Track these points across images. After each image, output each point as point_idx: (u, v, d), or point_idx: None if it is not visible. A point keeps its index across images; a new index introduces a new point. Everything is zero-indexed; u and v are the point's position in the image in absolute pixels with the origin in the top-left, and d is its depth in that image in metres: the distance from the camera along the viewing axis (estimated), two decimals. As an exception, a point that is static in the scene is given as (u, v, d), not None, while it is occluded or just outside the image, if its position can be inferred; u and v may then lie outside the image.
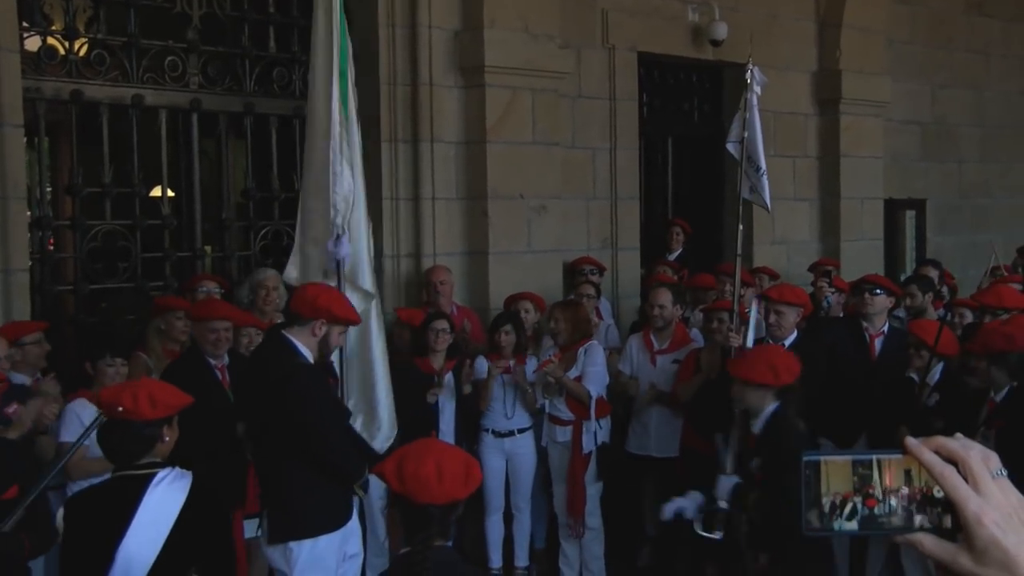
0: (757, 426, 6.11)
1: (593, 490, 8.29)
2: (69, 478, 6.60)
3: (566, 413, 8.23)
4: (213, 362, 7.22)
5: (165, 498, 4.72)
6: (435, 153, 9.62)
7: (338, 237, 7.06)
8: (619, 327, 10.13)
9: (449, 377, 8.21)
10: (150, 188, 9.04)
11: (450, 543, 4.06)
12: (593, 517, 8.29)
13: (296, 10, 9.53)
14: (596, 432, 8.24)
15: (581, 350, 8.27)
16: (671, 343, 8.52)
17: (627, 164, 11.01)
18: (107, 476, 5.12)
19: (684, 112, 12.28)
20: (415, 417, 7.82)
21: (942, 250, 13.41)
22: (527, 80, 9.87)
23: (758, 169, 8.24)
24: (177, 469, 4.81)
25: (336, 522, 6.03)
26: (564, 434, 8.29)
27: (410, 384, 7.99)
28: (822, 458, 1.52)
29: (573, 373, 8.18)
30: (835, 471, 1.51)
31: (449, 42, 9.64)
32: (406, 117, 9.58)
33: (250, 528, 7.17)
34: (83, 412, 6.74)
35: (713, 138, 12.24)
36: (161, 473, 4.76)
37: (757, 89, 8.25)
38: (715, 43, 11.50)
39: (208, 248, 9.23)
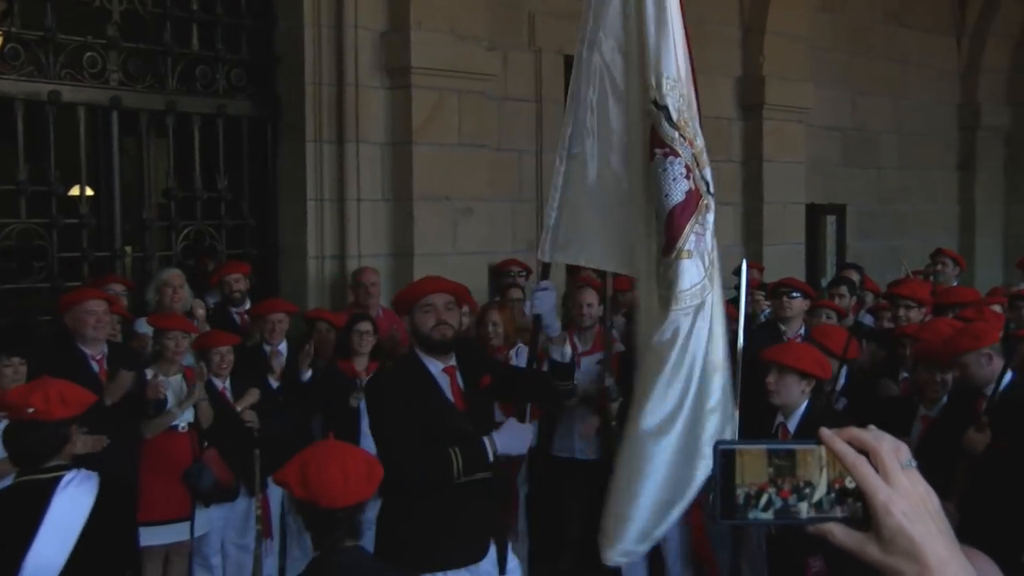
0: (792, 423, 6.12)
1: (521, 493, 8.36)
2: None
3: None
4: (89, 352, 7.13)
5: (74, 502, 4.64)
6: (361, 154, 9.59)
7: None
8: (545, 330, 10.08)
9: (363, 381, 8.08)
10: (68, 186, 8.96)
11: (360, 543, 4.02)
12: (519, 520, 8.29)
13: (220, 7, 9.46)
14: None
15: (512, 352, 8.35)
16: (594, 344, 8.52)
17: (553, 166, 10.88)
18: (7, 481, 4.99)
19: None
20: (338, 420, 7.82)
21: (861, 255, 13.58)
22: (454, 82, 9.89)
23: None
24: (83, 471, 4.73)
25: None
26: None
27: (332, 387, 8.05)
28: (737, 448, 1.52)
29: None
30: (750, 461, 1.51)
31: (375, 43, 9.62)
32: (331, 118, 9.54)
33: (161, 534, 7.21)
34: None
35: None
36: (68, 475, 4.70)
37: None
38: None
39: (128, 248, 9.14)
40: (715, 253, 5.34)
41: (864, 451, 1.50)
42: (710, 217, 5.35)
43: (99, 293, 7.44)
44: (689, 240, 5.11)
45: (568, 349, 5.84)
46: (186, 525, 7.34)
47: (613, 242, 5.70)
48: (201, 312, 8.54)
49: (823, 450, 1.50)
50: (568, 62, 11.12)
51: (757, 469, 1.51)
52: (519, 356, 8.34)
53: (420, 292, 5.76)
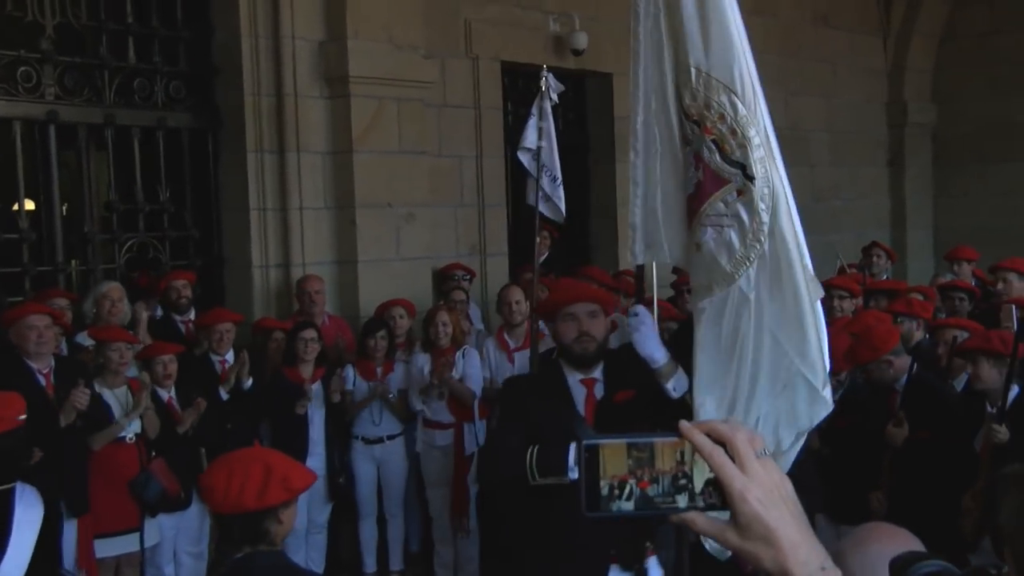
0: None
1: (472, 492, 8.43)
2: None
3: (446, 417, 8.37)
4: (35, 366, 7.11)
5: (30, 513, 4.59)
6: (302, 163, 9.57)
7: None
8: (489, 332, 10.10)
9: (318, 386, 8.29)
10: (7, 202, 8.80)
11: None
12: (470, 518, 8.44)
13: (156, 19, 9.41)
14: (477, 434, 8.43)
15: (459, 353, 8.43)
16: (524, 340, 8.56)
17: (494, 172, 11.11)
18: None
19: None
20: (284, 426, 8.03)
21: None
22: (392, 90, 9.89)
23: (554, 179, 8.25)
24: (20, 482, 4.67)
25: None
26: (444, 438, 8.48)
27: (279, 394, 8.14)
28: (600, 443, 1.54)
29: (454, 376, 8.37)
30: (611, 455, 1.53)
31: (313, 53, 9.60)
32: (272, 127, 9.51)
33: (112, 545, 7.28)
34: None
35: (577, 146, 12.54)
36: (18, 487, 4.62)
37: (553, 96, 8.17)
38: (576, 52, 11.66)
39: (73, 262, 9.10)
40: (766, 243, 4.64)
41: (721, 442, 1.53)
42: (739, 206, 4.67)
43: (42, 307, 7.43)
44: (702, 232, 4.71)
45: (682, 381, 5.04)
46: (135, 536, 7.35)
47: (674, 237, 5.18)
48: (145, 315, 8.50)
49: (682, 442, 1.54)
50: (505, 67, 11.28)
51: (618, 462, 1.53)
52: (467, 357, 8.45)
53: (563, 301, 5.45)
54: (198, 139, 9.63)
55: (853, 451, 6.60)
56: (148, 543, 7.43)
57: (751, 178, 4.60)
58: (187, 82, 9.58)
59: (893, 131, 16.66)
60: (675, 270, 11.17)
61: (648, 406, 5.18)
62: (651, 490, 1.54)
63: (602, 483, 1.53)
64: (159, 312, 8.87)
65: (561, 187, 8.37)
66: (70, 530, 6.90)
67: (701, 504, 1.54)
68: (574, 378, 5.27)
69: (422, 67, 10.10)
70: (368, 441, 8.56)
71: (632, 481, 1.53)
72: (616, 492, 1.53)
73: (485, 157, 11.00)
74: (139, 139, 9.29)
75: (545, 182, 8.22)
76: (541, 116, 8.06)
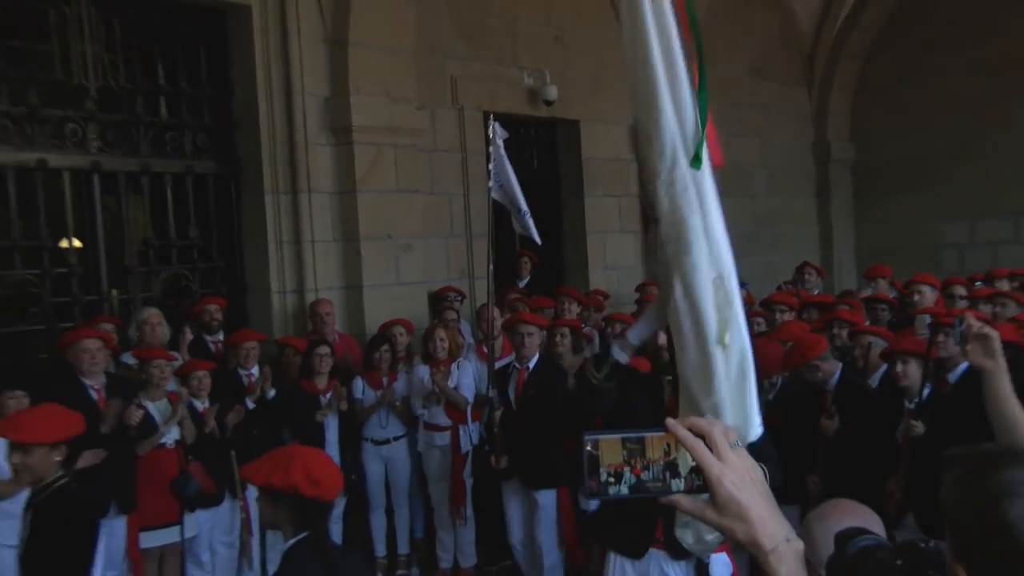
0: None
1: (467, 484, 8.40)
2: None
3: (444, 420, 8.35)
4: (88, 383, 7.12)
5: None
6: (312, 202, 9.56)
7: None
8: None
9: (331, 396, 8.24)
10: (57, 240, 8.81)
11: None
12: (467, 507, 8.41)
13: (183, 81, 9.39)
14: (471, 435, 8.44)
15: (454, 365, 8.43)
16: (502, 352, 8.55)
17: (479, 207, 10.96)
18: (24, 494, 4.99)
19: (525, 160, 12.20)
20: (305, 432, 7.89)
21: (744, 270, 13.54)
22: (390, 137, 9.91)
23: (520, 210, 8.21)
24: None
25: None
26: (443, 438, 8.39)
27: (298, 404, 8.11)
28: (600, 437, 1.60)
29: (449, 385, 8.38)
30: (608, 447, 1.59)
31: (320, 107, 9.61)
32: (286, 172, 9.51)
33: (155, 537, 7.25)
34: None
35: (549, 182, 12.61)
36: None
37: (499, 141, 8.09)
38: (548, 103, 11.71)
39: (114, 292, 9.00)
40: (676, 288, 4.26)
41: (700, 435, 1.59)
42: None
43: (93, 332, 7.45)
44: None
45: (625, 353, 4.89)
46: (176, 528, 7.34)
47: None
48: (189, 337, 8.48)
49: (668, 436, 1.59)
50: (487, 118, 11.21)
51: (614, 453, 1.58)
52: (461, 368, 8.44)
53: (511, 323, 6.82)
54: (222, 183, 9.58)
55: (789, 443, 6.65)
56: (187, 534, 7.40)
57: (656, 220, 4.33)
58: (211, 134, 9.53)
59: (819, 166, 16.77)
60: (639, 287, 11.29)
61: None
62: (643, 476, 1.59)
63: (602, 471, 1.58)
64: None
65: (528, 216, 8.37)
66: (120, 525, 6.90)
67: (685, 488, 1.60)
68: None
69: (415, 117, 10.12)
70: (376, 442, 8.53)
71: (627, 469, 1.58)
72: (613, 478, 1.59)
73: (471, 194, 10.95)
74: (170, 184, 9.26)
75: (520, 214, 8.29)
76: (495, 161, 8.05)
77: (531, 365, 7.71)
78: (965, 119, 15.64)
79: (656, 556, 5.06)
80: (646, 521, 4.97)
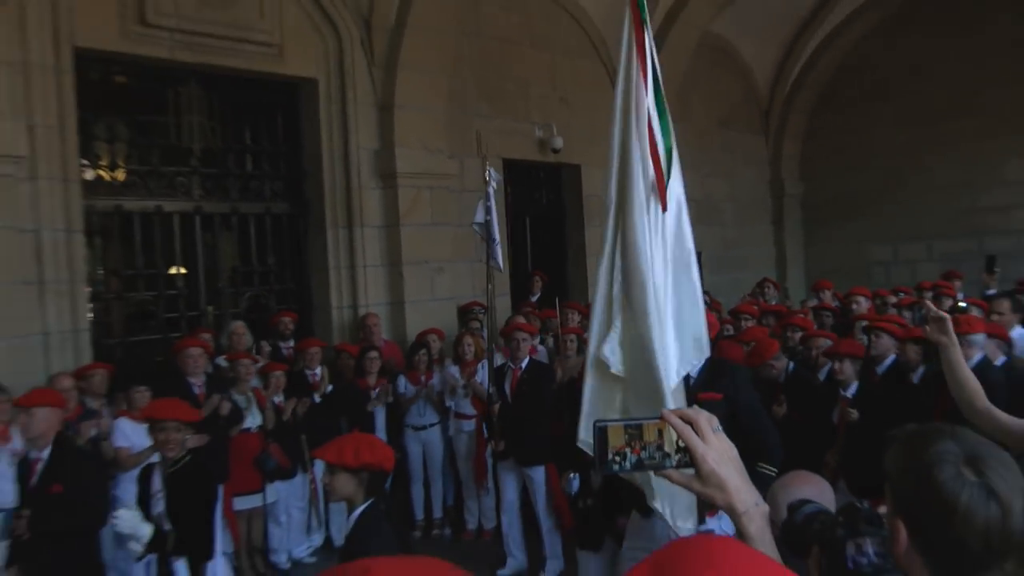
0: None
1: (488, 463, 8.27)
2: (120, 469, 6.60)
3: (470, 410, 8.28)
4: (192, 381, 7.23)
5: None
6: (364, 235, 9.65)
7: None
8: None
9: (380, 391, 8.27)
10: (168, 268, 8.93)
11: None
12: (488, 479, 8.30)
13: (264, 140, 9.49)
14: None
15: (479, 365, 8.35)
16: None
17: (499, 236, 10.99)
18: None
19: (536, 199, 12.32)
20: (358, 420, 7.94)
21: (715, 286, 13.59)
22: (426, 181, 9.97)
23: (494, 240, 8.09)
24: None
25: None
26: (469, 425, 8.36)
27: (353, 397, 8.14)
28: (608, 424, 1.61)
29: (476, 380, 8.31)
30: (614, 432, 1.59)
31: (371, 158, 9.69)
32: (343, 210, 9.59)
33: (244, 502, 7.36)
34: (126, 427, 6.76)
35: (556, 215, 12.47)
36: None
37: (493, 184, 7.96)
38: (555, 151, 11.66)
39: (210, 308, 9.12)
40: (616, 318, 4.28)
41: (688, 421, 1.61)
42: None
43: (196, 341, 7.58)
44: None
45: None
46: (259, 495, 7.50)
47: None
48: (268, 349, 8.62)
49: (661, 423, 1.61)
50: (505, 163, 11.22)
51: (618, 437, 1.59)
52: (484, 368, 8.28)
53: (506, 331, 6.56)
54: (293, 221, 9.69)
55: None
56: (268, 500, 7.59)
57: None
58: (285, 182, 9.67)
59: (775, 200, 16.66)
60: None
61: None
62: (642, 455, 1.59)
63: (609, 451, 1.59)
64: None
65: (498, 245, 8.11)
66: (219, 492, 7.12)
67: (676, 464, 1.61)
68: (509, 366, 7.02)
69: (446, 165, 10.19)
70: (415, 428, 8.52)
71: (628, 449, 1.59)
72: (618, 457, 1.59)
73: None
74: (253, 223, 9.39)
75: (492, 244, 8.11)
76: (487, 199, 7.90)
77: (523, 365, 7.58)
78: (889, 163, 15.65)
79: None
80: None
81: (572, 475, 5.49)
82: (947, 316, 3.60)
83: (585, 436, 4.25)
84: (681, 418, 1.61)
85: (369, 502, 3.90)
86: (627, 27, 4.33)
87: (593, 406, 4.31)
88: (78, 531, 5.18)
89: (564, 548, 7.33)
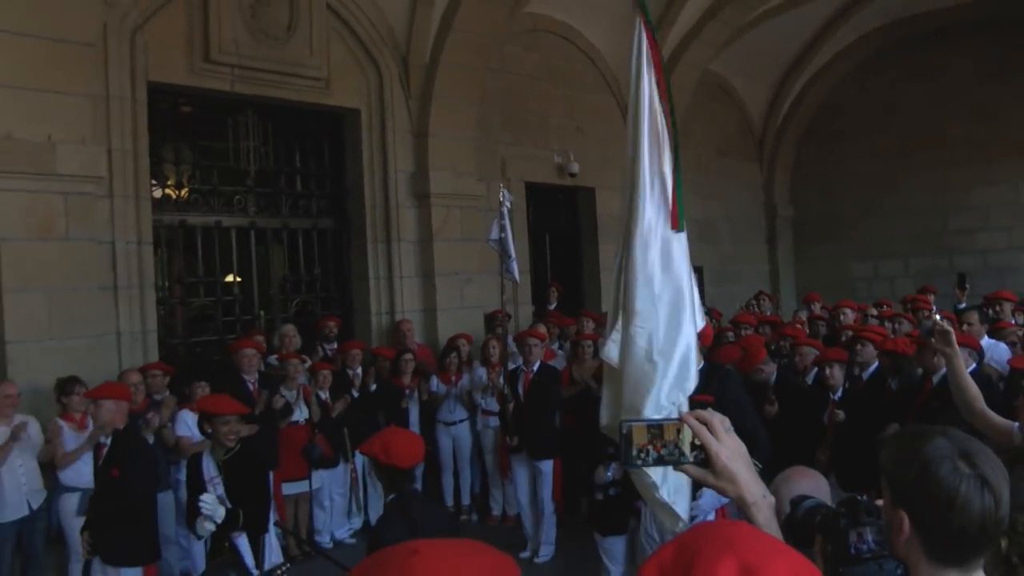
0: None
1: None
2: (182, 456, 6.59)
3: (496, 407, 8.22)
4: (247, 378, 7.28)
5: None
6: (401, 249, 9.64)
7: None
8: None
9: (413, 391, 8.28)
10: (226, 276, 8.95)
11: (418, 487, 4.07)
12: (512, 471, 8.16)
13: (312, 163, 9.48)
14: None
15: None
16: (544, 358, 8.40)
17: (521, 250, 10.78)
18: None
19: (554, 218, 12.23)
20: (394, 415, 7.95)
21: (715, 298, 13.60)
22: (456, 201, 9.97)
23: (510, 256, 8.09)
24: None
25: None
26: (494, 421, 8.29)
27: (389, 395, 8.13)
28: (632, 424, 1.62)
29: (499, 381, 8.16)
30: (638, 431, 1.60)
31: (407, 180, 9.70)
32: (382, 226, 9.58)
33: (291, 488, 7.33)
34: (188, 418, 6.77)
35: (572, 234, 12.42)
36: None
37: (507, 204, 7.94)
38: (572, 175, 11.61)
39: (262, 312, 9.14)
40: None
41: (704, 422, 1.63)
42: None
43: (250, 343, 7.59)
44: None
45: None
46: (306, 482, 7.45)
47: None
48: (320, 352, 8.57)
49: (680, 423, 1.62)
50: (527, 185, 11.24)
51: (641, 436, 1.60)
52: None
53: (520, 337, 6.60)
54: (337, 236, 9.67)
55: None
56: (313, 487, 7.53)
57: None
58: (330, 201, 9.64)
59: (768, 221, 16.57)
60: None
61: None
62: (662, 452, 1.61)
63: (632, 448, 1.60)
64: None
65: (514, 260, 8.07)
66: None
67: (691, 460, 1.62)
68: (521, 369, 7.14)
69: (474, 186, 10.17)
70: (446, 423, 8.48)
71: (650, 447, 1.60)
72: (641, 453, 1.60)
73: (516, 241, 10.75)
74: (301, 237, 9.37)
75: (508, 259, 8.11)
76: (501, 217, 7.89)
77: (535, 368, 7.57)
78: (868, 189, 15.73)
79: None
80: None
81: (609, 466, 5.40)
82: (951, 329, 3.52)
83: (606, 422, 4.22)
84: (697, 419, 1.63)
85: (392, 495, 3.84)
86: (641, 47, 4.22)
87: (606, 396, 4.30)
88: (130, 510, 5.21)
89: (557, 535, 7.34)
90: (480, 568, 1.19)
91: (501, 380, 7.91)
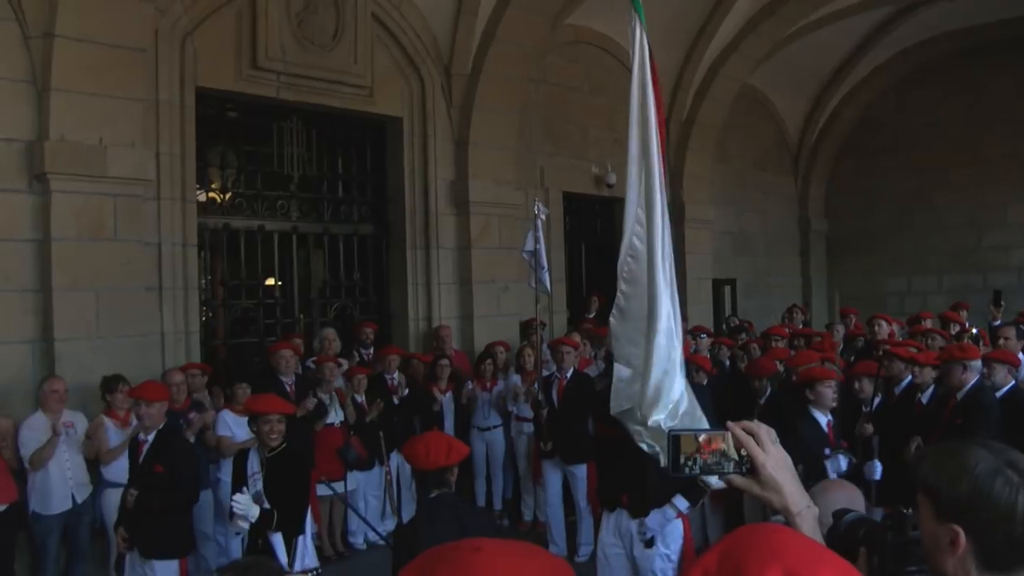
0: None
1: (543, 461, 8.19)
2: (223, 455, 6.64)
3: (530, 413, 8.17)
4: (284, 379, 7.26)
5: None
6: (440, 256, 9.61)
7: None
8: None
9: (449, 396, 8.30)
10: (267, 279, 8.96)
11: (451, 490, 3.97)
12: (543, 477, 8.12)
13: (354, 169, 9.48)
14: None
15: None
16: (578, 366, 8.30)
17: (557, 260, 10.91)
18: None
19: (591, 228, 12.17)
20: (428, 419, 7.93)
21: (747, 311, 13.53)
22: (495, 209, 9.91)
23: (542, 267, 8.01)
24: None
25: None
26: (528, 427, 8.24)
27: (424, 400, 8.14)
28: (680, 433, 1.61)
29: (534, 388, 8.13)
30: (685, 440, 1.60)
31: (447, 188, 9.67)
32: (422, 233, 9.56)
33: (326, 489, 7.09)
34: (228, 418, 6.78)
35: (609, 244, 12.17)
36: None
37: (542, 216, 7.93)
38: (609, 186, 11.54)
39: (302, 316, 9.11)
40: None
41: (750, 433, 1.63)
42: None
43: (287, 345, 7.58)
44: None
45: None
46: (341, 483, 7.37)
47: None
48: (357, 358, 8.53)
49: (727, 434, 1.62)
50: (565, 195, 11.18)
51: (689, 445, 1.60)
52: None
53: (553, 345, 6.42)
54: (377, 242, 9.63)
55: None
56: (348, 488, 7.46)
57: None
58: (371, 207, 9.61)
59: (802, 235, 16.48)
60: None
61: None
62: (708, 460, 1.60)
63: (681, 456, 1.60)
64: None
65: (546, 271, 8.02)
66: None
67: (738, 470, 1.62)
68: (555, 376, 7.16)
69: (513, 195, 10.11)
70: (481, 429, 8.43)
71: (697, 455, 1.60)
72: (688, 461, 1.60)
73: (552, 251, 10.62)
74: (342, 242, 9.33)
75: (540, 270, 8.05)
76: (536, 229, 7.86)
77: (568, 375, 7.52)
78: (902, 204, 15.60)
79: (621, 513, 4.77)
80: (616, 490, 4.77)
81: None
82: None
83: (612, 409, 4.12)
84: (744, 430, 1.62)
85: (436, 493, 3.84)
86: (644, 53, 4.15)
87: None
88: (174, 507, 5.25)
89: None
90: (540, 568, 1.18)
91: (536, 387, 7.85)
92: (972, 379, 5.73)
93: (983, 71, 14.70)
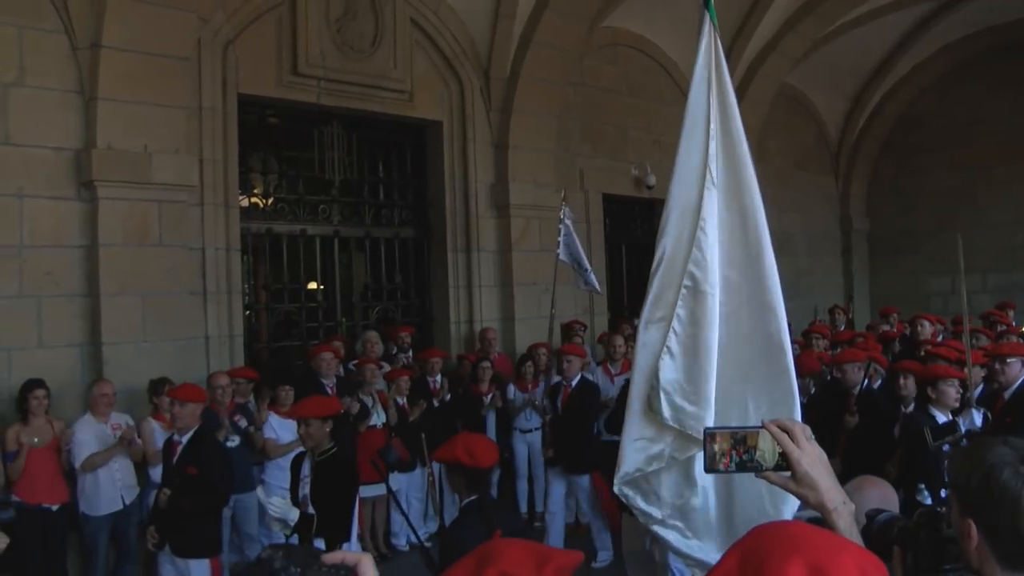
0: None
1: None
2: (267, 457, 6.66)
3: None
4: (325, 382, 7.19)
5: None
6: (481, 258, 9.54)
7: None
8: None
9: (491, 397, 8.23)
10: (309, 283, 8.94)
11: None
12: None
13: (395, 173, 9.43)
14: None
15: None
16: (621, 369, 8.25)
17: (598, 261, 10.78)
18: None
19: (631, 230, 12.03)
20: (473, 422, 7.90)
21: (789, 311, 13.16)
22: (535, 212, 9.80)
23: (585, 269, 7.92)
24: None
25: None
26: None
27: (467, 403, 8.12)
28: (716, 431, 1.62)
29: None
30: (721, 438, 1.61)
31: (487, 190, 9.60)
32: (463, 236, 9.50)
33: (369, 491, 7.07)
34: (272, 420, 6.80)
35: (649, 244, 12.12)
36: None
37: (568, 221, 7.87)
38: (649, 187, 11.42)
39: (344, 319, 9.07)
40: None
41: (786, 430, 1.61)
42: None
43: (329, 348, 7.52)
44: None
45: None
46: (383, 485, 7.14)
47: None
48: (402, 361, 8.43)
49: (763, 431, 1.61)
50: (605, 197, 11.05)
51: (724, 443, 1.60)
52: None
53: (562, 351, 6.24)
54: (418, 245, 9.58)
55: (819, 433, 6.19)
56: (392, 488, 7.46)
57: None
58: (412, 211, 9.56)
59: (843, 234, 16.15)
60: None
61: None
62: (744, 457, 1.60)
63: (717, 454, 1.60)
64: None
65: (591, 273, 7.97)
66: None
67: (773, 466, 1.61)
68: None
69: (553, 198, 9.69)
70: (522, 431, 8.33)
71: (733, 453, 1.60)
72: (723, 459, 1.60)
73: (592, 252, 10.53)
74: (383, 245, 9.27)
75: (586, 272, 8.01)
76: (564, 234, 7.79)
77: (574, 383, 7.38)
78: (945, 202, 15.11)
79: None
80: None
81: None
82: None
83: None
84: (779, 427, 1.62)
85: (471, 499, 3.71)
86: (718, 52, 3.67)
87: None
88: (207, 506, 5.23)
89: (612, 541, 7.14)
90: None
91: (540, 394, 7.80)
92: (1020, 377, 5.62)
93: (1027, 68, 14.23)
